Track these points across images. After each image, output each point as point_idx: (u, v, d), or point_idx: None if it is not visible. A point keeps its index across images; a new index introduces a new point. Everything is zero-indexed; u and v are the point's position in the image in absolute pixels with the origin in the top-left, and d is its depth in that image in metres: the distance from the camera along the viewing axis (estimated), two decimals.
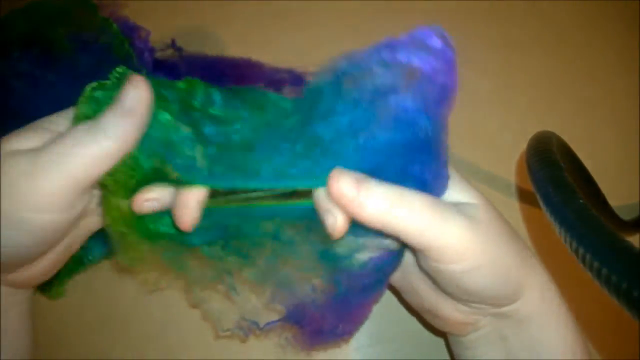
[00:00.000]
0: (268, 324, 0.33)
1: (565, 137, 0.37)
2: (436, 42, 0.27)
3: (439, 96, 0.27)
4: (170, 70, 0.43)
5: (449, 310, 0.31)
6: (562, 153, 0.33)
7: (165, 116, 0.27)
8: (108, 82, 0.27)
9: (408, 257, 0.32)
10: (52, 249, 0.29)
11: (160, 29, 0.44)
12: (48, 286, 0.40)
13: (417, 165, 0.27)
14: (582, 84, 0.49)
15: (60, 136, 0.25)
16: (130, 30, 0.41)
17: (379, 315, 0.41)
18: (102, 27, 0.40)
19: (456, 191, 0.29)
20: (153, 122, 0.27)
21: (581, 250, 0.24)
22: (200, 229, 0.28)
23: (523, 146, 0.34)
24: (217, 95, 0.29)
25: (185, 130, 0.27)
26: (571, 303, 0.39)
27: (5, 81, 0.39)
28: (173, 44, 0.45)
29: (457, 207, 0.27)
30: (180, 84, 0.29)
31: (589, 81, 0.49)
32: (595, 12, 0.52)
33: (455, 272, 0.26)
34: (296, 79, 0.46)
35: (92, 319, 0.41)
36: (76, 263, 0.40)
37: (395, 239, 0.27)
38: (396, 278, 0.34)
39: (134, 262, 0.30)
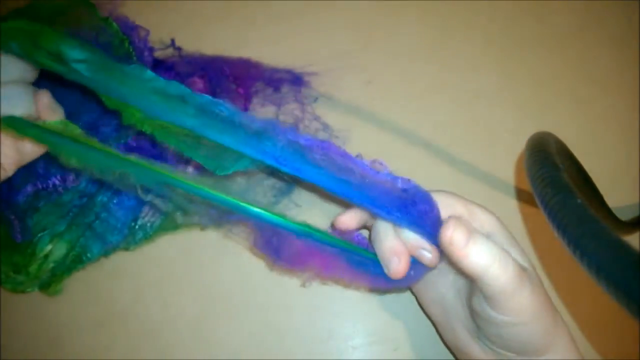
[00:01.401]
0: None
1: (564, 138, 0.37)
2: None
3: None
4: (169, 69, 0.43)
5: (477, 352, 0.33)
6: (560, 154, 0.33)
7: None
8: None
9: (450, 298, 0.35)
10: None
11: (159, 28, 0.44)
12: (47, 284, 0.40)
13: None
14: (581, 85, 0.49)
15: None
16: (129, 30, 0.41)
17: (377, 314, 0.41)
18: (101, 27, 0.40)
19: (514, 253, 0.31)
20: None
21: (579, 251, 0.24)
22: None
23: (522, 146, 0.34)
24: None
25: None
26: (571, 303, 0.40)
27: None
28: (172, 44, 0.45)
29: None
30: None
31: (588, 81, 0.49)
32: (595, 11, 0.52)
33: (505, 322, 0.29)
34: (295, 79, 0.47)
35: (90, 316, 0.41)
36: (75, 261, 0.40)
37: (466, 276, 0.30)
38: (437, 315, 0.37)
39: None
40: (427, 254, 0.30)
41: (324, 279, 0.38)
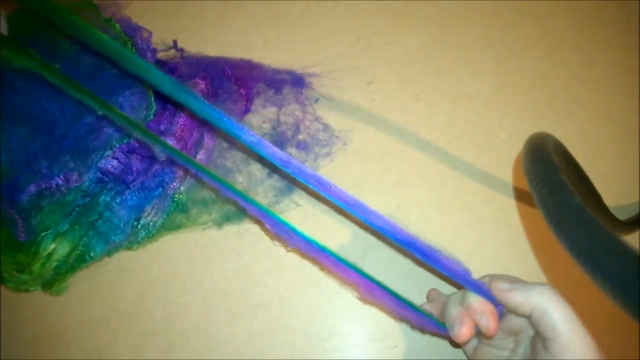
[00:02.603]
0: None
1: (562, 138, 0.37)
2: None
3: None
4: (172, 70, 0.43)
5: None
6: (558, 154, 0.33)
7: None
8: None
9: None
10: None
11: (161, 29, 0.45)
12: (50, 283, 0.40)
13: None
14: (578, 85, 0.50)
15: None
16: (132, 31, 0.41)
17: (376, 313, 0.42)
18: (104, 28, 0.40)
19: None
20: None
21: (577, 250, 0.24)
22: None
23: (520, 146, 0.34)
24: None
25: None
26: (570, 303, 0.40)
27: (8, 80, 0.39)
28: (175, 45, 0.45)
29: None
30: None
31: (586, 82, 0.50)
32: (591, 13, 0.53)
33: None
34: (296, 80, 0.47)
35: (94, 315, 0.42)
36: (78, 260, 0.40)
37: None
38: None
39: None
40: (484, 319, 0.32)
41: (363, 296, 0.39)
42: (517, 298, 0.32)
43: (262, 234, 0.44)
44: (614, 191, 0.45)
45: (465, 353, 0.39)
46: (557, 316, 0.30)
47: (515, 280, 0.33)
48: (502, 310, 0.34)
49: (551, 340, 0.31)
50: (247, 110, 0.45)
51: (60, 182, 0.39)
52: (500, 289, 0.32)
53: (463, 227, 0.44)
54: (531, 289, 0.31)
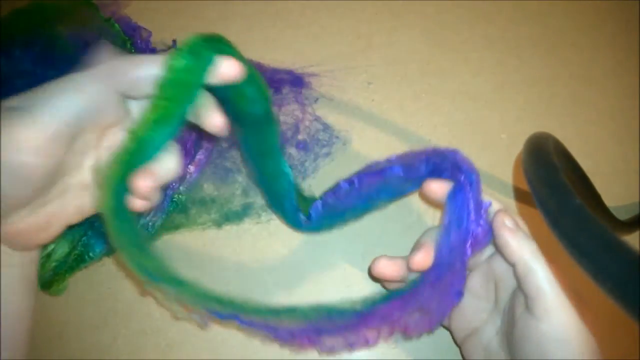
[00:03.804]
0: None
1: (562, 138, 0.37)
2: None
3: None
4: None
5: None
6: (558, 154, 0.33)
7: None
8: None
9: (495, 346, 0.35)
10: (38, 198, 0.29)
11: (161, 29, 0.45)
12: (49, 283, 0.40)
13: None
14: (578, 85, 0.50)
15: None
16: (131, 30, 0.41)
17: None
18: (103, 27, 0.40)
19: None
20: None
21: (578, 251, 0.24)
22: None
23: (520, 146, 0.34)
24: None
25: None
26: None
27: (7, 79, 0.39)
28: (174, 45, 0.45)
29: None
30: None
31: (586, 82, 0.50)
32: (591, 13, 0.53)
33: (548, 333, 0.30)
34: (296, 80, 0.47)
35: (93, 315, 0.42)
36: (77, 260, 0.40)
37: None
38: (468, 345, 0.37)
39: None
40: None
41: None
42: (511, 241, 0.31)
43: (262, 233, 0.44)
44: (614, 191, 0.45)
45: None
46: (543, 275, 0.30)
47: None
48: (489, 241, 0.33)
49: (534, 299, 0.30)
50: None
51: None
52: (503, 223, 0.32)
53: None
54: (527, 242, 0.31)
